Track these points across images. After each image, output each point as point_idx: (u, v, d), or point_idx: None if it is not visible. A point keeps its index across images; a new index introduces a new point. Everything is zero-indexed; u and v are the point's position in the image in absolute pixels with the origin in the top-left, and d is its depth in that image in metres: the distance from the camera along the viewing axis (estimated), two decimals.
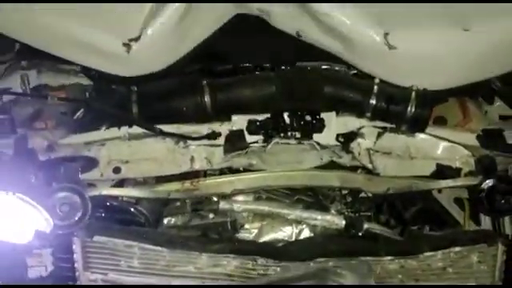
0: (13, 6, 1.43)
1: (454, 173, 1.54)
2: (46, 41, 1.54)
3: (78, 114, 1.66)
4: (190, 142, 1.54)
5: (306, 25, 1.54)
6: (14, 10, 1.44)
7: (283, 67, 1.71)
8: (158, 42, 1.49)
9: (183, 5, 1.45)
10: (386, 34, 1.46)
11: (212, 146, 1.55)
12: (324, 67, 1.71)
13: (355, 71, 1.65)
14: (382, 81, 1.55)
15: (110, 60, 1.53)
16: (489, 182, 1.44)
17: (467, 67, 1.52)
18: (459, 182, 1.51)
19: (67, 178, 1.35)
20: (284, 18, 1.56)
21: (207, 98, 1.52)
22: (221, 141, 1.55)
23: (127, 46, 1.48)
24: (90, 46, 1.51)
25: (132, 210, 1.48)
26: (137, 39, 1.47)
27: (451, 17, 1.43)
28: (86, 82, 1.78)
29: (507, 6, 1.40)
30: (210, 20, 1.56)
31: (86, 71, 1.70)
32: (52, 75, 1.80)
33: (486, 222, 1.53)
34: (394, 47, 1.47)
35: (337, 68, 1.70)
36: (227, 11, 1.56)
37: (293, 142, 1.54)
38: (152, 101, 1.56)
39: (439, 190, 1.60)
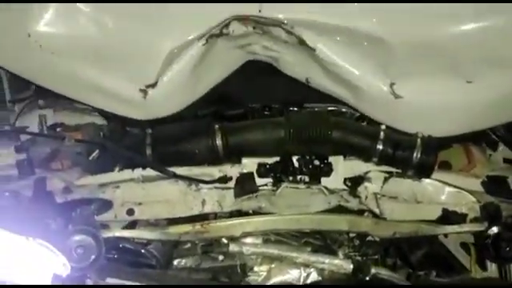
0: (32, 51, 1.49)
1: (459, 218, 1.56)
2: (63, 85, 1.60)
3: (94, 154, 1.70)
4: (201, 184, 1.57)
5: (315, 72, 1.60)
6: (33, 54, 1.50)
7: (291, 108, 1.77)
8: (173, 88, 1.56)
9: (199, 53, 1.51)
10: (392, 84, 1.52)
11: (223, 188, 1.58)
12: (331, 108, 1.77)
13: (359, 113, 1.71)
14: (388, 127, 1.60)
15: (126, 104, 1.60)
16: (494, 230, 1.46)
17: (471, 117, 1.57)
18: (465, 227, 1.53)
19: (83, 221, 1.38)
20: (293, 66, 1.63)
21: (219, 142, 1.57)
22: (232, 184, 1.58)
23: (144, 91, 1.55)
24: (106, 90, 1.57)
25: (143, 251, 1.51)
26: (153, 86, 1.54)
27: (453, 69, 1.49)
28: (100, 121, 1.85)
29: (508, 60, 1.46)
30: (222, 67, 1.63)
31: (101, 111, 1.76)
32: (68, 114, 1.86)
33: (492, 268, 1.55)
34: (400, 96, 1.53)
35: (343, 109, 1.77)
36: (239, 59, 1.63)
37: (302, 186, 1.58)
38: (165, 144, 1.61)
39: (445, 235, 1.61)
